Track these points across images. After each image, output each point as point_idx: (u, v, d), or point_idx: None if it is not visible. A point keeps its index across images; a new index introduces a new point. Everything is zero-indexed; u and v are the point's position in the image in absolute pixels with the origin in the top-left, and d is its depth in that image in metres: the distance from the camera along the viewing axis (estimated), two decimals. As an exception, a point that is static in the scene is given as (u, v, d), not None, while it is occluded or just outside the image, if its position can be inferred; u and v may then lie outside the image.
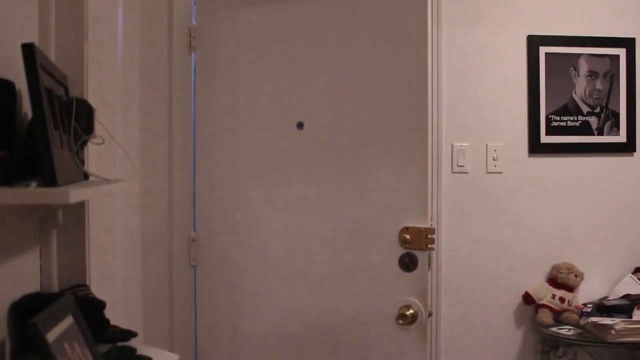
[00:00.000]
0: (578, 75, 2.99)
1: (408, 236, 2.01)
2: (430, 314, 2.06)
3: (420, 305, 2.01)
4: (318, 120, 2.22)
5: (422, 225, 2.02)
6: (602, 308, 2.67)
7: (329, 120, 2.20)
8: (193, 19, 2.45)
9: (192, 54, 2.45)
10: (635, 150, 3.04)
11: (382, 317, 2.08)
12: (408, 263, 2.03)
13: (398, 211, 2.06)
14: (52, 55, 1.49)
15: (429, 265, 2.04)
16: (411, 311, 1.99)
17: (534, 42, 2.95)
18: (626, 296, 2.77)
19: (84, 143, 1.40)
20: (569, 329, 2.77)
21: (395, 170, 2.09)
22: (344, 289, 2.19)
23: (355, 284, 2.17)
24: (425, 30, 2.06)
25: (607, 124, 3.01)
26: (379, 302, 2.10)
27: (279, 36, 2.29)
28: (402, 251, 2.04)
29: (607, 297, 2.86)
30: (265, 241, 2.31)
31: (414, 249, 2.02)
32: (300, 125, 2.23)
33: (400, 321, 1.99)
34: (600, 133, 3.01)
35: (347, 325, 2.18)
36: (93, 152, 1.61)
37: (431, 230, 2.00)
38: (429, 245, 2.00)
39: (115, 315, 1.94)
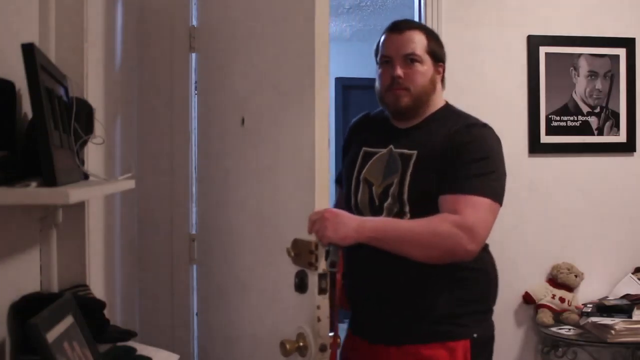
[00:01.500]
0: (578, 75, 2.99)
1: (293, 251, 1.61)
2: (324, 349, 1.55)
3: (311, 336, 1.55)
4: (254, 114, 2.06)
5: (307, 237, 1.58)
6: (602, 308, 2.67)
7: (261, 113, 2.03)
8: (193, 19, 2.45)
9: (192, 54, 2.45)
10: (635, 150, 3.04)
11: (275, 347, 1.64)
12: (299, 283, 1.61)
13: (294, 218, 1.66)
14: (52, 55, 1.49)
15: (321, 289, 1.55)
16: (301, 343, 1.57)
17: (534, 42, 2.95)
18: (626, 296, 2.78)
19: (84, 143, 1.40)
20: (569, 329, 2.77)
21: (298, 168, 1.71)
22: (254, 303, 1.96)
23: (260, 299, 1.91)
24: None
25: (607, 124, 3.01)
26: (276, 327, 1.76)
27: (244, 32, 2.18)
28: (297, 268, 1.62)
29: (607, 297, 2.86)
30: (231, 242, 2.23)
31: (303, 266, 1.59)
32: (243, 121, 2.09)
33: (281, 351, 1.58)
34: (600, 133, 3.01)
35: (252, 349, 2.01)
36: (93, 152, 1.62)
37: (313, 245, 1.54)
38: (314, 263, 1.53)
39: (115, 315, 1.94)
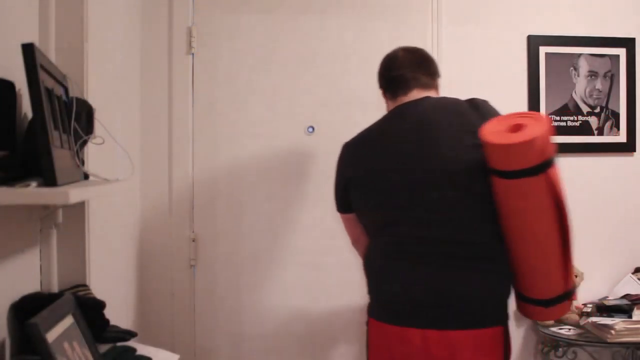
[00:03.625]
0: (578, 75, 2.99)
1: None
2: None
3: None
4: (326, 123, 2.19)
5: None
6: (602, 308, 2.67)
7: (337, 122, 2.16)
8: (193, 20, 2.46)
9: (192, 54, 2.46)
10: (635, 150, 3.04)
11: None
12: None
13: None
14: (52, 55, 1.49)
15: None
16: None
17: (534, 42, 2.95)
18: (626, 296, 2.77)
19: (84, 143, 1.40)
20: (569, 329, 2.76)
21: None
22: (337, 295, 2.15)
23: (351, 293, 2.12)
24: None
25: (607, 124, 3.01)
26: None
27: (282, 40, 2.28)
28: None
29: (607, 297, 2.86)
30: (266, 241, 2.30)
31: None
32: (310, 128, 2.23)
33: None
34: (600, 133, 3.01)
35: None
36: (93, 152, 1.62)
37: None
38: None
39: (116, 315, 1.94)
